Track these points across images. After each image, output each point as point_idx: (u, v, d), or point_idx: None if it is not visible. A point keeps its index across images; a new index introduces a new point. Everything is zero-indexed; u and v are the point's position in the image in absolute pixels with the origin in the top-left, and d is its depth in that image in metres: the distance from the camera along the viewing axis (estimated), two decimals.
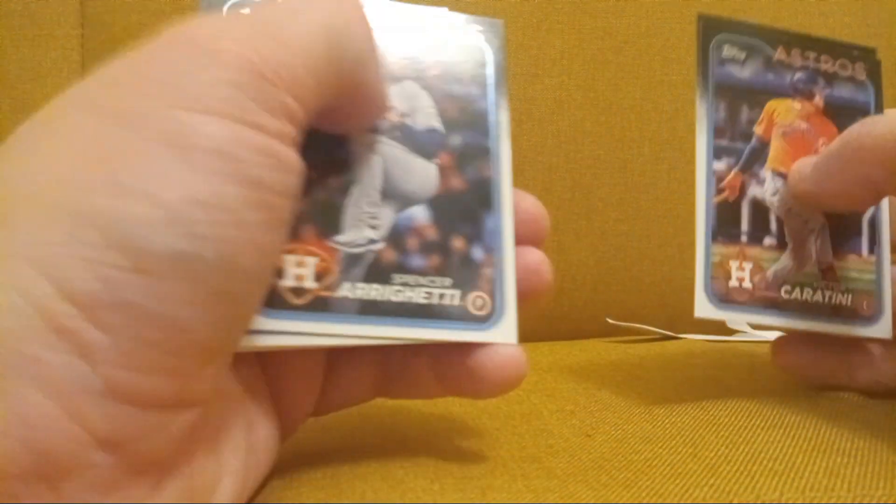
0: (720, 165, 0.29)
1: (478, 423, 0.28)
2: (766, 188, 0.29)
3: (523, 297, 0.23)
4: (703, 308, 0.28)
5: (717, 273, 0.28)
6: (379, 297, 0.22)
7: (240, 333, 0.18)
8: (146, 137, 0.15)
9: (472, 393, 0.23)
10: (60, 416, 0.14)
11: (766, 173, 0.29)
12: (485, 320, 0.23)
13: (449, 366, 0.22)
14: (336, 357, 0.24)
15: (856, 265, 0.30)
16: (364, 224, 0.22)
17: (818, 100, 0.30)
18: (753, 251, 0.28)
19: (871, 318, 0.29)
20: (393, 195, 0.22)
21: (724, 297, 0.28)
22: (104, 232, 0.14)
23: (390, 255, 0.22)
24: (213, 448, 0.18)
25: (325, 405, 0.24)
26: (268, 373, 0.22)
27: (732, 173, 0.29)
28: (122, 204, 0.15)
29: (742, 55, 0.29)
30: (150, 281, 0.15)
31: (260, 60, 0.17)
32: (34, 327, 0.14)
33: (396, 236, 0.22)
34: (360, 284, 0.21)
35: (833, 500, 0.19)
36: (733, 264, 0.28)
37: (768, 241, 0.29)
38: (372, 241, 0.22)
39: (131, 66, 0.17)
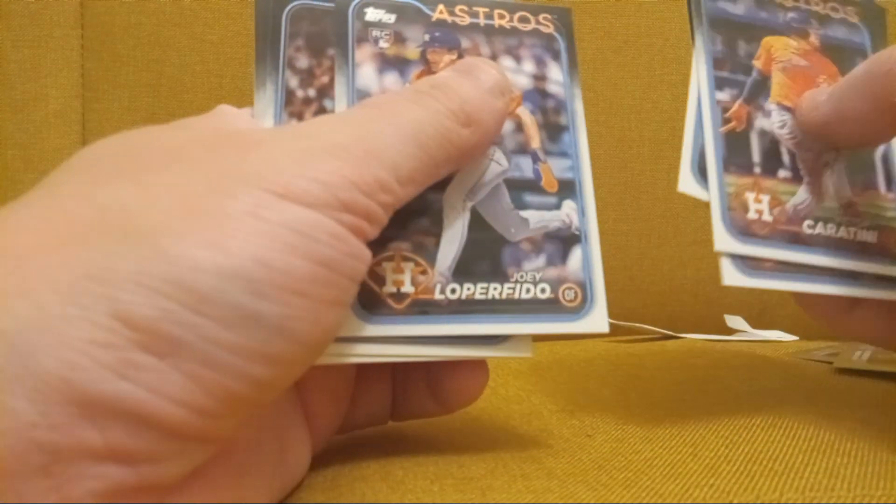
0: (723, 96, 0.27)
1: (478, 423, 0.28)
2: (774, 120, 0.28)
3: None
4: (724, 241, 0.25)
5: (734, 204, 0.26)
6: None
7: (278, 393, 0.18)
8: (235, 206, 0.16)
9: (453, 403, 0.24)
10: (82, 423, 0.14)
11: (770, 106, 0.28)
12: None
13: (440, 383, 0.23)
14: (361, 375, 0.24)
15: (876, 201, 0.28)
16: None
17: (813, 38, 0.29)
18: (769, 183, 0.27)
19: None
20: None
21: (744, 230, 0.26)
22: (172, 269, 0.15)
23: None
24: (235, 469, 0.18)
25: (348, 424, 0.25)
26: (300, 387, 0.22)
27: (737, 104, 0.27)
28: (196, 250, 0.15)
29: None
30: (207, 323, 0.15)
31: (351, 171, 0.18)
32: (81, 338, 0.14)
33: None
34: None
35: (833, 501, 0.19)
36: (749, 196, 0.26)
37: (783, 173, 0.27)
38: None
39: (233, 142, 0.18)
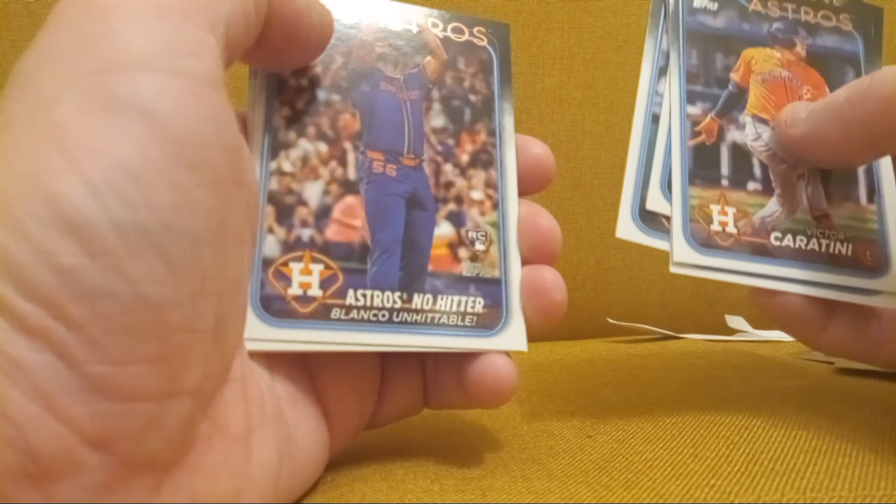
0: (694, 110, 0.27)
1: (478, 423, 0.28)
2: (747, 133, 0.28)
3: (533, 315, 0.23)
4: (683, 253, 0.26)
5: (697, 216, 0.26)
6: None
7: (217, 308, 0.17)
8: (76, 107, 0.15)
9: (479, 403, 0.23)
10: (44, 417, 0.14)
11: (745, 118, 0.28)
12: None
13: (465, 374, 0.23)
14: (390, 370, 0.24)
15: (854, 213, 0.28)
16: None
17: (799, 49, 0.29)
18: (736, 195, 0.27)
19: (877, 269, 0.27)
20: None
21: (705, 242, 0.26)
22: (51, 217, 0.14)
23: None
24: (231, 457, 0.18)
25: (380, 418, 0.24)
26: (317, 385, 0.22)
27: (708, 118, 0.27)
28: (60, 184, 0.14)
29: (714, 5, 0.28)
30: (105, 262, 0.14)
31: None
32: (4, 329, 0.14)
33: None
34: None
35: (834, 501, 0.19)
36: (714, 208, 0.26)
37: (752, 185, 0.27)
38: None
39: (58, 36, 0.16)
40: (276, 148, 0.22)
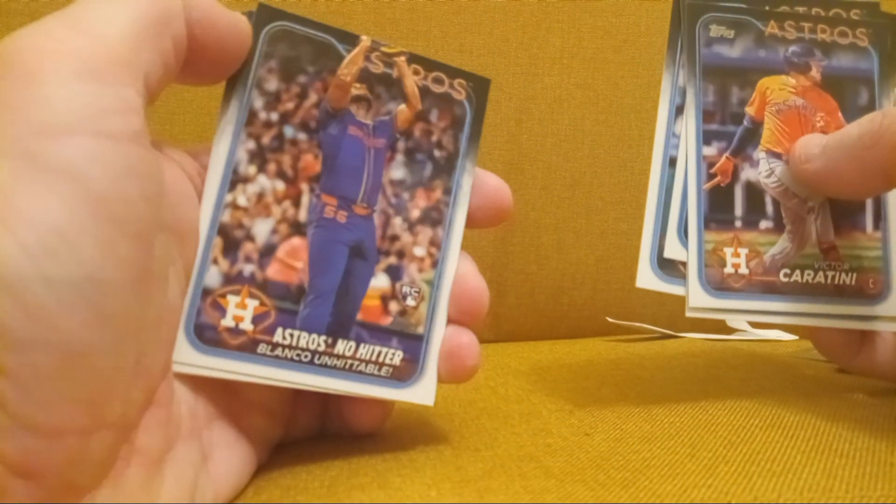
0: (710, 150, 0.28)
1: (476, 422, 0.28)
2: (760, 169, 0.28)
3: (445, 375, 0.24)
4: (698, 299, 0.27)
5: (711, 261, 0.27)
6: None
7: (139, 346, 0.18)
8: (9, 172, 0.16)
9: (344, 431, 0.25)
10: None
11: (759, 154, 0.28)
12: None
13: (330, 411, 0.25)
14: (299, 398, 0.25)
15: (861, 242, 0.28)
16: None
17: (814, 72, 0.29)
18: (749, 236, 0.27)
19: (878, 295, 0.28)
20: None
21: (719, 286, 0.27)
22: None
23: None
24: (148, 477, 0.19)
25: (287, 438, 0.25)
26: (236, 405, 0.23)
27: (724, 158, 0.28)
28: None
29: (731, 33, 0.28)
30: (37, 315, 0.15)
31: (85, 60, 0.17)
32: None
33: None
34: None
35: (831, 501, 0.19)
36: (728, 251, 0.27)
37: (764, 224, 0.28)
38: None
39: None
40: (235, 181, 0.22)
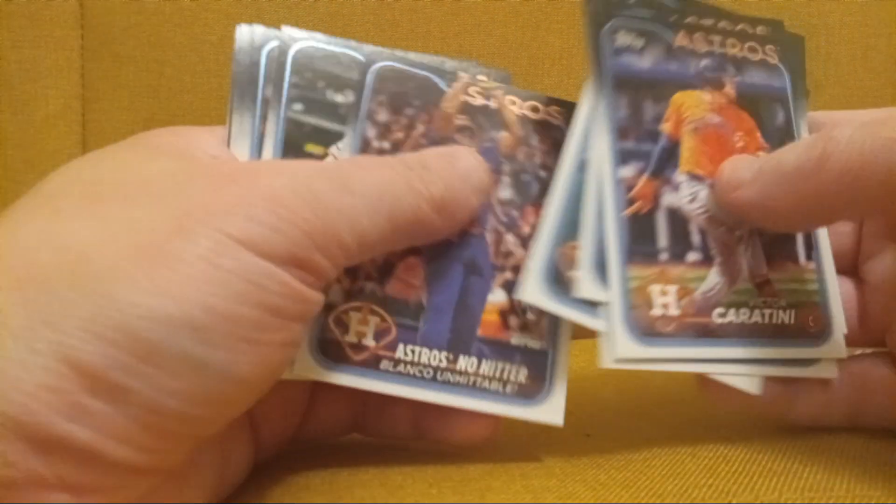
0: (627, 172, 0.24)
1: None
2: (682, 194, 0.24)
3: None
4: (626, 347, 0.22)
5: (637, 300, 0.23)
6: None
7: (221, 428, 0.19)
8: (191, 250, 0.16)
9: (441, 442, 0.24)
10: (35, 458, 0.15)
11: (680, 177, 0.25)
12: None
13: (426, 419, 0.24)
14: (318, 393, 0.25)
15: (795, 275, 0.25)
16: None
17: (729, 88, 0.26)
18: (676, 271, 0.24)
19: (820, 335, 0.25)
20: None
21: (647, 331, 0.23)
22: (122, 317, 0.15)
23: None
24: (178, 484, 0.19)
25: (303, 435, 0.25)
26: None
27: (643, 180, 0.24)
28: (146, 298, 0.16)
29: (640, 43, 0.25)
30: (155, 372, 0.16)
31: (314, 228, 0.18)
32: (33, 382, 0.15)
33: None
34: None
35: (832, 501, 0.19)
36: (654, 289, 0.23)
37: (692, 256, 0.24)
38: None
39: (203, 175, 0.18)
40: None
